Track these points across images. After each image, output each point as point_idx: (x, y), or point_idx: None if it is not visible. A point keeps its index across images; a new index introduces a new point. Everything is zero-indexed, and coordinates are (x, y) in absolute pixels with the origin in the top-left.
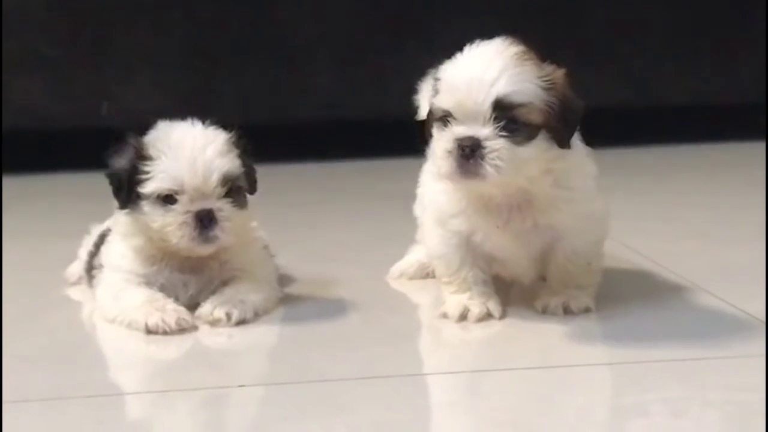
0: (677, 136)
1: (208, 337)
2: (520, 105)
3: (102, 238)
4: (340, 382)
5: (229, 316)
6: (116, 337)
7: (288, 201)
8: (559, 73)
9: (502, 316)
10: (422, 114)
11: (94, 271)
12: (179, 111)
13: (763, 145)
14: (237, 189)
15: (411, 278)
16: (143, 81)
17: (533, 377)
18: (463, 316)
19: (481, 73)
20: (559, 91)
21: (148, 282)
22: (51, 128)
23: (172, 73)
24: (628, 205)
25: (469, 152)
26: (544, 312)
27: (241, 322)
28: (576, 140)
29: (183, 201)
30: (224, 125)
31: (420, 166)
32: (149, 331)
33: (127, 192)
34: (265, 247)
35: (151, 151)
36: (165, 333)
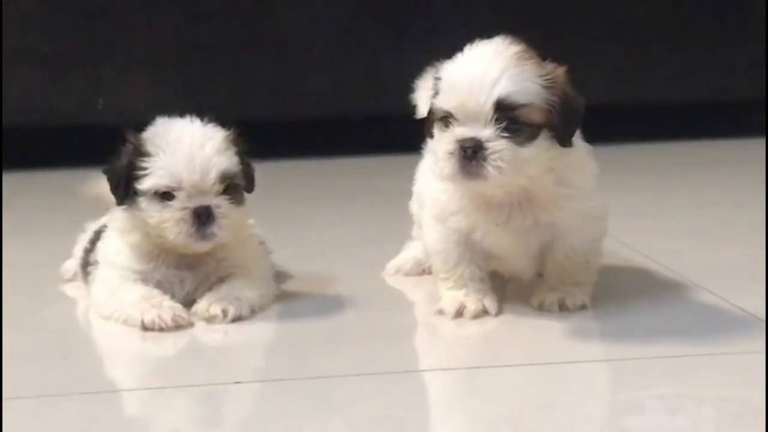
0: (673, 134)
1: (204, 333)
2: (522, 105)
3: (97, 235)
4: (337, 378)
5: (225, 312)
6: (112, 333)
7: (284, 198)
8: (559, 72)
9: (498, 313)
10: (420, 112)
11: (90, 268)
12: (175, 107)
13: (759, 142)
14: (234, 186)
15: (407, 275)
16: (139, 77)
17: (529, 374)
18: (459, 313)
19: (482, 74)
20: (560, 90)
21: (144, 279)
22: (47, 124)
23: (168, 69)
24: (624, 203)
25: (471, 153)
26: (540, 308)
27: (237, 319)
28: (577, 138)
29: (180, 197)
30: (223, 123)
31: (416, 163)
32: (145, 328)
33: (124, 188)
34: (262, 243)
35: (149, 148)
36: (161, 330)
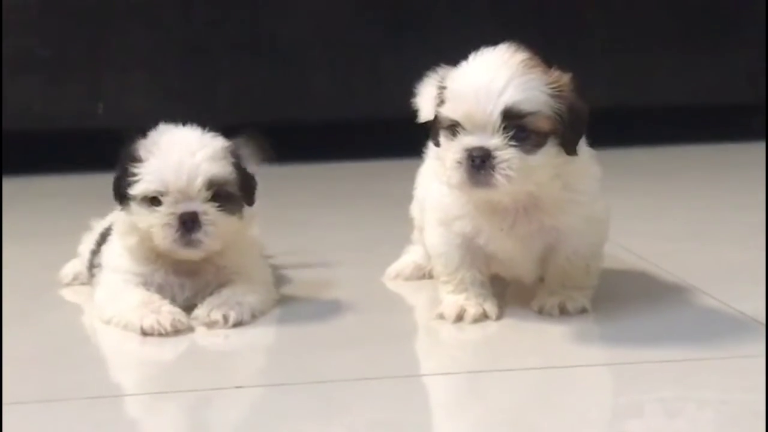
0: (674, 137)
1: (204, 338)
2: (529, 113)
3: (103, 237)
4: (337, 382)
5: (225, 318)
6: (113, 338)
7: (284, 202)
8: (565, 79)
9: (499, 317)
10: (422, 116)
11: (95, 270)
12: (175, 111)
13: (758, 145)
14: (226, 194)
15: (407, 279)
16: (140, 82)
17: (530, 378)
18: (459, 317)
19: (488, 83)
20: (567, 98)
21: (146, 282)
22: (48, 129)
23: (168, 73)
24: (625, 206)
25: (479, 163)
26: (541, 312)
27: (238, 324)
28: (581, 143)
29: (167, 202)
30: (238, 131)
31: (417, 167)
32: (144, 333)
33: (120, 192)
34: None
35: (142, 153)
36: (160, 335)
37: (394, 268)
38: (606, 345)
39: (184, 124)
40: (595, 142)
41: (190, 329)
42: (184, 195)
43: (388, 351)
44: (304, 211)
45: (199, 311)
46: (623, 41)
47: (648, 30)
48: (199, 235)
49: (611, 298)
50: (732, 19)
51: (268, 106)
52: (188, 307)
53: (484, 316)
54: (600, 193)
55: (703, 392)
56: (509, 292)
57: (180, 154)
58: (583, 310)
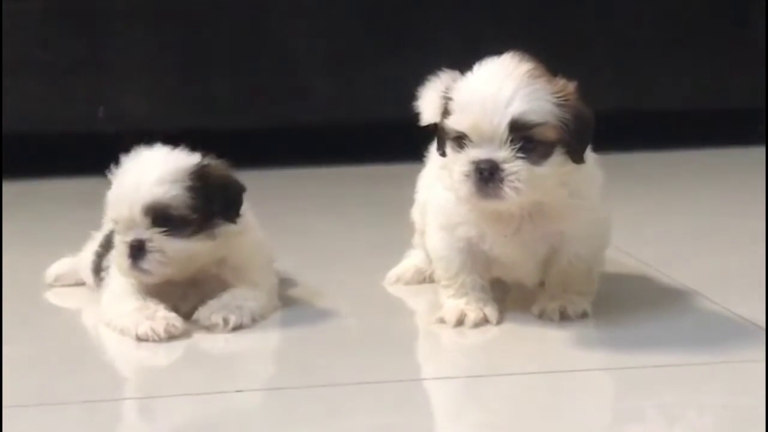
0: (674, 142)
1: (205, 341)
2: (536, 124)
3: (108, 240)
4: (337, 387)
5: (226, 321)
6: (113, 341)
7: (284, 205)
8: (571, 88)
9: (499, 321)
10: (424, 120)
11: (103, 273)
12: (175, 116)
13: (759, 150)
14: (176, 218)
15: (407, 283)
16: (140, 86)
17: (530, 382)
18: (460, 322)
19: (494, 94)
20: (573, 106)
21: (148, 290)
22: (48, 133)
23: (169, 77)
24: (625, 210)
25: (487, 175)
26: (541, 316)
27: (238, 328)
28: (587, 149)
29: (118, 230)
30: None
31: (418, 172)
32: (139, 339)
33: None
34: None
35: (111, 178)
36: (155, 341)
37: (394, 273)
38: (606, 349)
39: (171, 139)
40: (596, 147)
41: (186, 334)
42: (130, 223)
43: (389, 355)
44: (304, 215)
45: (200, 314)
46: (624, 46)
47: (649, 34)
48: (145, 263)
49: (612, 303)
50: (732, 24)
51: (269, 110)
52: (190, 312)
53: (484, 321)
54: (603, 197)
55: (703, 397)
56: (510, 296)
57: (127, 182)
58: (583, 315)
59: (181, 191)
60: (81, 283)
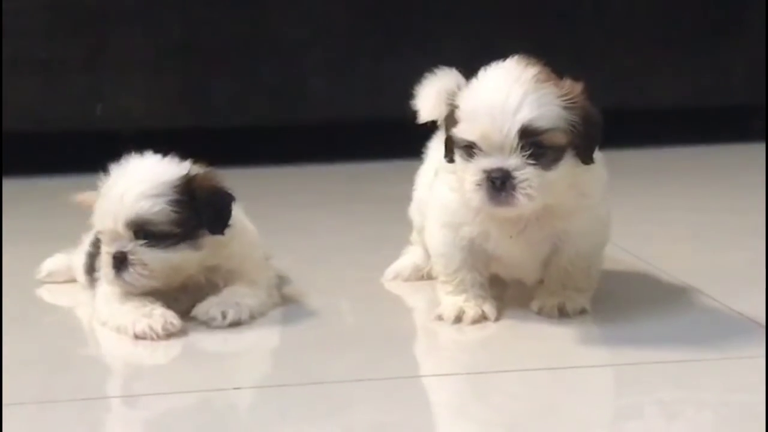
0: (673, 138)
1: (203, 339)
2: (545, 130)
3: (98, 240)
4: (336, 384)
5: (224, 315)
6: (111, 339)
7: (282, 203)
8: (578, 89)
9: (498, 318)
10: (422, 117)
11: (96, 274)
12: (173, 113)
13: (759, 146)
14: (158, 232)
15: (406, 280)
16: (138, 83)
17: (528, 379)
18: (458, 319)
19: (503, 102)
20: (581, 108)
21: (140, 294)
22: (47, 130)
23: (167, 75)
24: (624, 207)
25: (499, 184)
26: (540, 313)
27: (236, 323)
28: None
29: (104, 242)
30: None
31: (416, 169)
32: (137, 338)
33: None
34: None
35: (100, 188)
36: (152, 339)
37: (392, 270)
38: (605, 346)
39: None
40: None
41: (184, 332)
42: (114, 235)
43: (387, 352)
44: (302, 212)
45: (199, 308)
46: (622, 42)
47: (647, 31)
48: (127, 275)
49: (610, 300)
50: (731, 20)
51: (267, 107)
52: (185, 312)
53: (483, 318)
54: (606, 195)
55: (702, 393)
56: (508, 293)
57: (112, 195)
58: (582, 311)
59: (164, 206)
60: (73, 280)
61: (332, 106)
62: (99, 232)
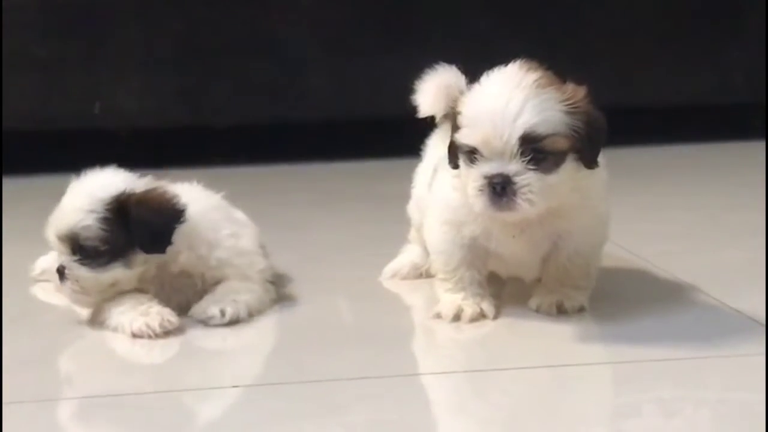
0: (672, 137)
1: (201, 337)
2: (546, 136)
3: None
4: (334, 382)
5: (222, 312)
6: (110, 337)
7: (281, 201)
8: (580, 94)
9: (496, 316)
10: (422, 112)
11: None
12: (172, 112)
13: (758, 144)
14: (87, 249)
15: (404, 278)
16: (136, 82)
17: (527, 377)
18: (456, 317)
19: (503, 108)
20: (583, 113)
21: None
22: (45, 129)
23: (166, 73)
24: (623, 205)
25: (500, 189)
26: (538, 311)
27: (234, 320)
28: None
29: (55, 255)
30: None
31: (414, 167)
32: (134, 336)
33: None
34: (262, 247)
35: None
36: (150, 337)
37: (391, 268)
38: (604, 344)
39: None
40: None
41: (181, 330)
42: (57, 248)
43: (386, 350)
44: (301, 210)
45: (196, 307)
46: (621, 40)
47: (645, 28)
48: (67, 288)
49: (609, 298)
50: (730, 17)
51: (266, 105)
52: (184, 309)
53: (481, 316)
54: (605, 194)
55: (701, 391)
56: (506, 291)
57: (58, 208)
58: (580, 309)
59: (93, 222)
60: None
61: (331, 104)
62: (50, 245)
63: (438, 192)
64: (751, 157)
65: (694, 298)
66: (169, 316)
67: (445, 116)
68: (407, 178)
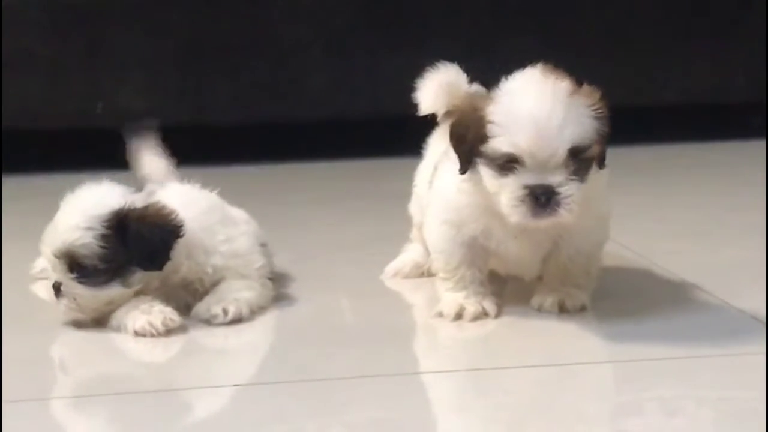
0: (672, 135)
1: (202, 336)
2: (589, 146)
3: None
4: (336, 381)
5: (225, 311)
6: (111, 336)
7: (282, 200)
8: (599, 96)
9: (498, 315)
10: (423, 110)
11: None
12: (174, 111)
13: (758, 143)
14: (85, 267)
15: (405, 277)
16: (137, 81)
17: (529, 375)
18: (458, 315)
19: (547, 118)
20: (605, 117)
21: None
22: (47, 128)
23: (167, 73)
24: (624, 204)
25: (544, 200)
26: (540, 309)
27: (237, 318)
28: None
29: (50, 267)
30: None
31: (415, 165)
32: (137, 334)
33: None
34: (264, 245)
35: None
36: (152, 336)
37: (392, 266)
38: (605, 342)
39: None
40: None
41: (183, 329)
42: (52, 263)
43: (387, 349)
44: (302, 209)
45: (198, 308)
46: (619, 39)
47: (645, 28)
48: (62, 305)
49: (610, 296)
50: (730, 17)
51: (267, 105)
52: (185, 309)
53: (483, 314)
54: (606, 193)
55: (702, 390)
56: (507, 290)
57: (53, 223)
58: (582, 308)
59: (91, 239)
60: None
61: (331, 103)
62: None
63: (438, 191)
64: (751, 157)
65: (696, 296)
66: (172, 314)
67: (446, 114)
68: (408, 177)
